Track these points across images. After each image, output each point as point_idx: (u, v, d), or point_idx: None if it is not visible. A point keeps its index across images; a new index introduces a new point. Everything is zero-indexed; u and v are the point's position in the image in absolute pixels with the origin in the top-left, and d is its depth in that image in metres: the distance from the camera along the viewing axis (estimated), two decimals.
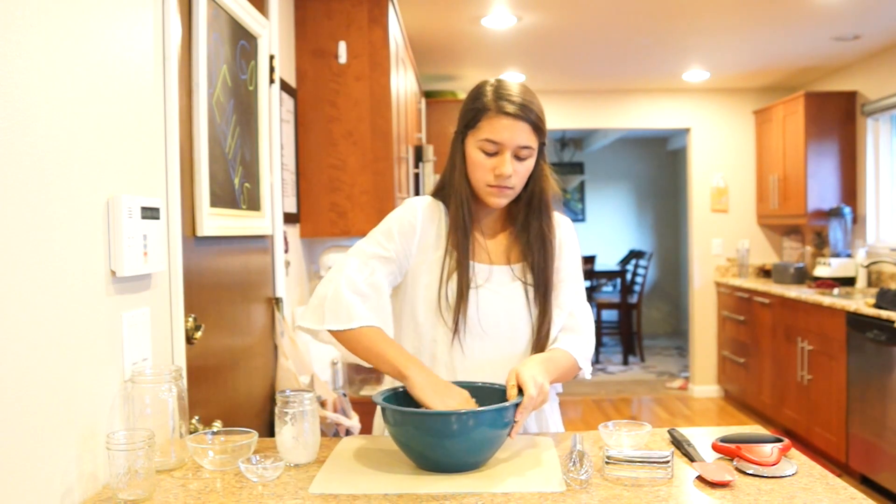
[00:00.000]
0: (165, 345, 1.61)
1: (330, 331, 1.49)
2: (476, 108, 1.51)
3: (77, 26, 1.25)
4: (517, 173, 1.51)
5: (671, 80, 5.80)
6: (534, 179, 1.56)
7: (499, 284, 1.57)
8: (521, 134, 1.48)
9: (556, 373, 1.49)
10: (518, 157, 1.50)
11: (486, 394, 1.43)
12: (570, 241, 1.65)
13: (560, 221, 1.64)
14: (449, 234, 1.55)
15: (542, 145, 1.55)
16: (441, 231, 1.57)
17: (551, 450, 1.42)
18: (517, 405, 1.34)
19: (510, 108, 1.48)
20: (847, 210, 5.11)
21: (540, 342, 1.57)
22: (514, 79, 1.56)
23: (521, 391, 1.37)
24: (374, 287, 1.51)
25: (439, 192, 1.61)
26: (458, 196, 1.55)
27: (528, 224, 1.59)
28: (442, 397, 1.37)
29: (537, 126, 1.50)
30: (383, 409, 1.34)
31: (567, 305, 1.60)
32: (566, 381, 1.61)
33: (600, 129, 7.22)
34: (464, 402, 1.38)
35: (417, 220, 1.56)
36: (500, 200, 1.54)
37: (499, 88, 1.51)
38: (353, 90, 3.00)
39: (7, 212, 1.06)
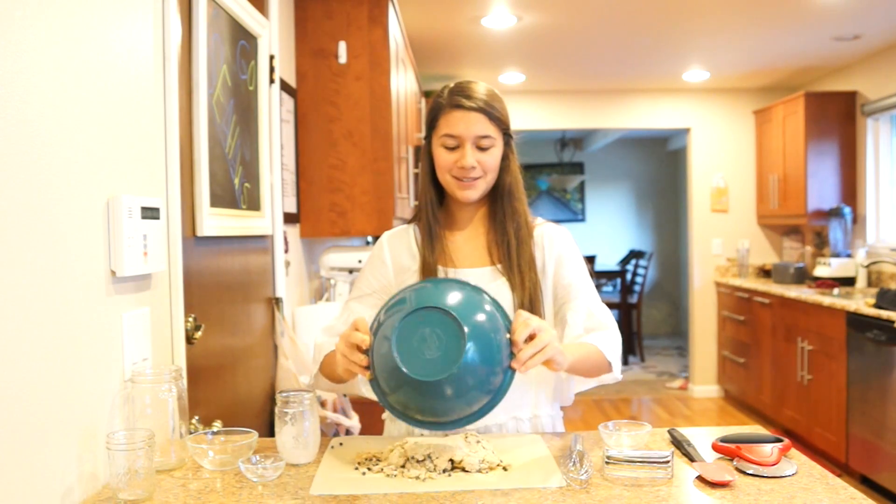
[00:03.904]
0: (165, 345, 1.61)
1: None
2: (433, 110, 1.57)
3: (77, 26, 1.25)
4: (481, 164, 1.54)
5: (671, 80, 5.80)
6: (501, 172, 1.59)
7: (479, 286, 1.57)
8: (477, 124, 1.52)
9: (577, 353, 1.44)
10: (480, 148, 1.53)
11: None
12: (570, 252, 1.63)
13: (554, 235, 1.63)
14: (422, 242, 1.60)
15: (508, 137, 1.58)
16: (413, 248, 1.61)
17: (542, 447, 1.43)
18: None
19: (462, 101, 1.52)
20: (847, 210, 5.10)
21: None
22: (482, 81, 1.62)
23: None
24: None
25: (415, 215, 1.66)
26: (424, 199, 1.60)
27: (501, 219, 1.60)
28: (337, 345, 1.37)
29: (492, 115, 1.53)
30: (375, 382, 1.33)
31: (581, 312, 1.58)
32: (595, 376, 1.55)
33: (600, 129, 7.22)
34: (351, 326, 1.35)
35: (385, 251, 1.63)
36: (470, 193, 1.56)
37: (453, 88, 1.56)
38: (353, 90, 3.00)
39: (7, 211, 1.06)
